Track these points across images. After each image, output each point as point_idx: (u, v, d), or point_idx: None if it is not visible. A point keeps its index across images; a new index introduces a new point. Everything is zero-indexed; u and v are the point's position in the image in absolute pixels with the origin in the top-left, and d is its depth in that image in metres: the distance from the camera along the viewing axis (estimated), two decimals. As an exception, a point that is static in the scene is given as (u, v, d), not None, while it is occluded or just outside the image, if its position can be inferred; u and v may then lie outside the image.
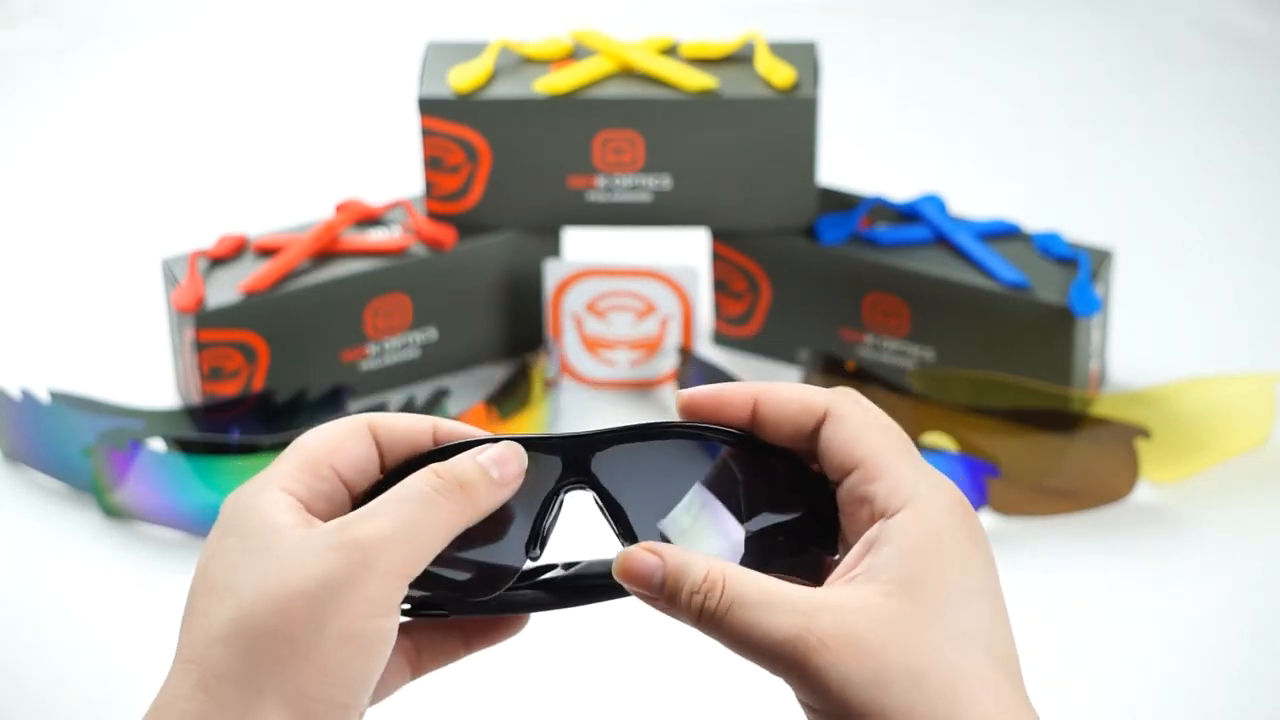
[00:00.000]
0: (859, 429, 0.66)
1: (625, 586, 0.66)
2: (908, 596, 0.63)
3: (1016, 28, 1.72)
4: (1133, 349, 1.28)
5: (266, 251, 1.21)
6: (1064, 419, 1.14)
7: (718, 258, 1.27)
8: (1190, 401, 1.16)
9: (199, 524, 1.11)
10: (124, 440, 1.12)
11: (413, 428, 0.69)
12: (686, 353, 1.23)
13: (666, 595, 0.65)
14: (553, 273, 1.24)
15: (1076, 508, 1.14)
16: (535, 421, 1.18)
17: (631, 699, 1.01)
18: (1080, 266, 1.19)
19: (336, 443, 0.67)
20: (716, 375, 1.18)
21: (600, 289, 1.24)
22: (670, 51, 1.24)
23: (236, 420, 1.17)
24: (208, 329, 1.17)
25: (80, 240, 1.43)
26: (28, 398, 1.15)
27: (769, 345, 1.27)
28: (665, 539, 0.68)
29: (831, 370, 1.18)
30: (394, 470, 0.68)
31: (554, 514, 0.69)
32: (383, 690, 0.69)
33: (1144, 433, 1.12)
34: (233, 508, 0.66)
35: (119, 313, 1.34)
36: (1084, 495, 1.13)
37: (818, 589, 0.64)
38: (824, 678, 0.62)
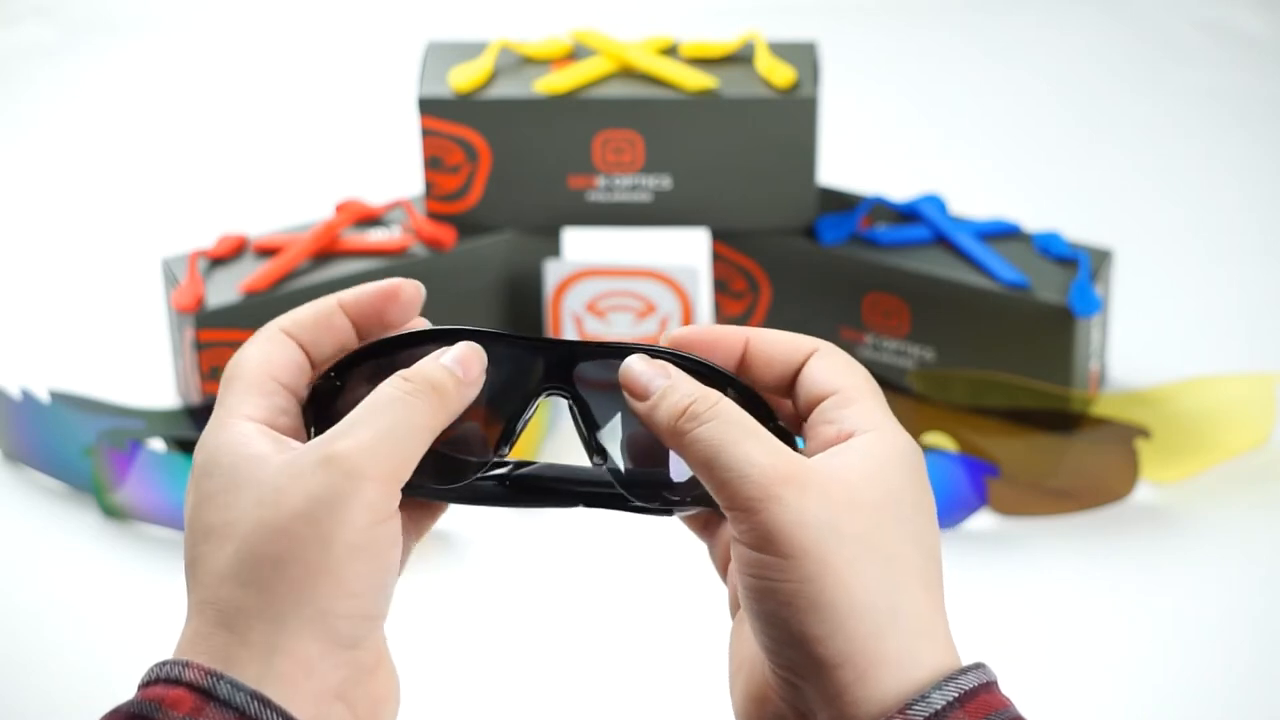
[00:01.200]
0: (843, 366, 0.69)
1: (625, 391, 0.67)
2: (869, 483, 0.65)
3: (1017, 28, 1.72)
4: (1133, 349, 1.28)
5: (266, 251, 1.21)
6: (1064, 419, 1.14)
7: (718, 258, 1.27)
8: (1190, 401, 1.16)
9: (199, 524, 1.11)
10: (124, 440, 1.12)
11: (320, 310, 0.69)
12: (686, 353, 1.23)
13: (657, 399, 0.67)
14: (553, 273, 1.24)
15: (1076, 508, 1.14)
16: (535, 421, 1.17)
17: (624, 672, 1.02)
18: (1080, 266, 1.19)
19: (264, 355, 0.68)
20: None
21: (600, 289, 1.24)
22: (670, 51, 1.24)
23: (236, 420, 1.17)
24: (208, 329, 1.17)
25: (80, 240, 1.44)
26: (28, 398, 1.15)
27: (769, 345, 1.27)
28: (624, 459, 0.69)
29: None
30: (340, 364, 0.69)
31: (528, 415, 0.70)
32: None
33: (1144, 433, 1.12)
34: (203, 453, 0.66)
35: (119, 313, 1.34)
36: (1084, 495, 1.13)
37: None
38: (782, 511, 0.63)
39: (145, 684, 0.63)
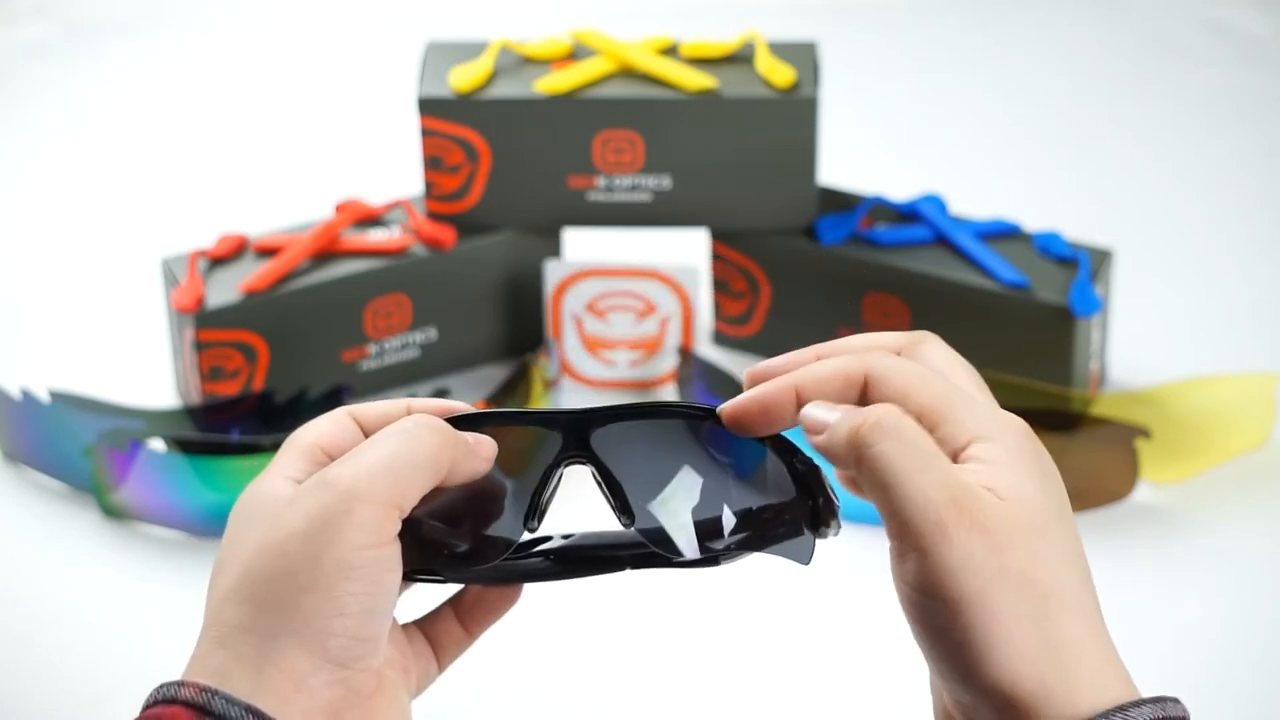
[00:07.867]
0: (905, 385, 0.67)
1: (805, 431, 0.67)
2: (1017, 508, 0.64)
3: (1016, 27, 1.72)
4: (1133, 349, 1.28)
5: (266, 251, 1.21)
6: (1064, 419, 1.14)
7: (718, 258, 1.27)
8: (1190, 401, 1.16)
9: (199, 524, 1.11)
10: (124, 440, 1.12)
11: (389, 409, 0.71)
12: (686, 353, 1.23)
13: (835, 423, 0.65)
14: (553, 273, 1.24)
15: (1076, 508, 1.13)
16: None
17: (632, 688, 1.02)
18: (1080, 266, 1.19)
19: (323, 429, 0.70)
20: (717, 375, 1.18)
21: (600, 289, 1.24)
22: (670, 51, 1.24)
23: (236, 420, 1.17)
24: (208, 329, 1.17)
25: (80, 240, 1.44)
26: (28, 398, 1.15)
27: (769, 345, 1.27)
28: (656, 518, 0.69)
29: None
30: None
31: (553, 487, 0.71)
32: (418, 685, 0.72)
33: (1144, 433, 1.12)
34: (238, 503, 0.69)
35: (119, 313, 1.34)
36: (1084, 495, 1.13)
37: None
38: (951, 554, 0.63)
39: (146, 706, 0.65)
